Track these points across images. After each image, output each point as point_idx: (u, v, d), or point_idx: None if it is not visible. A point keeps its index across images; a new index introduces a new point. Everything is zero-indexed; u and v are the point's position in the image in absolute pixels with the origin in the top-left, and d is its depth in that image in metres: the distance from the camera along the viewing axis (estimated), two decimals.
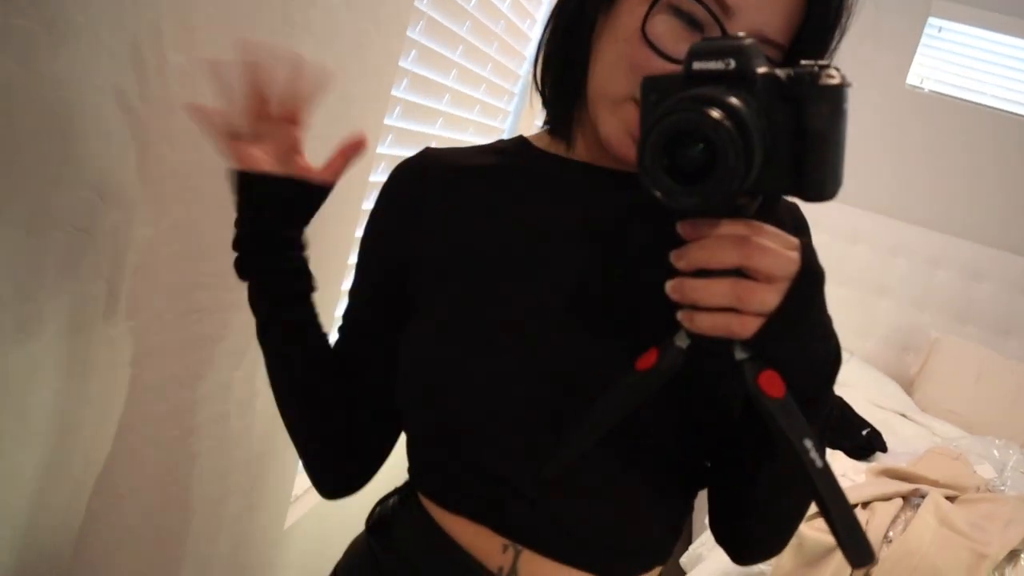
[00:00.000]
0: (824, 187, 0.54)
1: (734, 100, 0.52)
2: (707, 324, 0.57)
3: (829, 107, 0.52)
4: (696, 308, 0.57)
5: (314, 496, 1.58)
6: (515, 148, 0.84)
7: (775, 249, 0.56)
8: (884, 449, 2.74)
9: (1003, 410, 3.46)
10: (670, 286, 0.58)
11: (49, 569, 0.86)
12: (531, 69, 0.81)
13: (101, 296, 0.81)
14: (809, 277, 0.58)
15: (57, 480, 0.83)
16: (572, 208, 0.78)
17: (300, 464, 1.44)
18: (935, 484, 2.26)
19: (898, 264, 3.90)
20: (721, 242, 0.56)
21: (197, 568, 1.17)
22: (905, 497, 2.18)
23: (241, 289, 0.80)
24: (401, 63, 1.34)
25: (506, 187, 0.81)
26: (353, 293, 0.87)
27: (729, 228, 0.57)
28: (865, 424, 2.82)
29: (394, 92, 1.36)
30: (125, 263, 0.82)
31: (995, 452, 2.87)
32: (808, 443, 0.57)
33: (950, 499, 2.23)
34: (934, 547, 1.95)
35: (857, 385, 3.46)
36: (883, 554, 1.96)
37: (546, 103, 0.81)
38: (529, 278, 0.75)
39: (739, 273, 0.56)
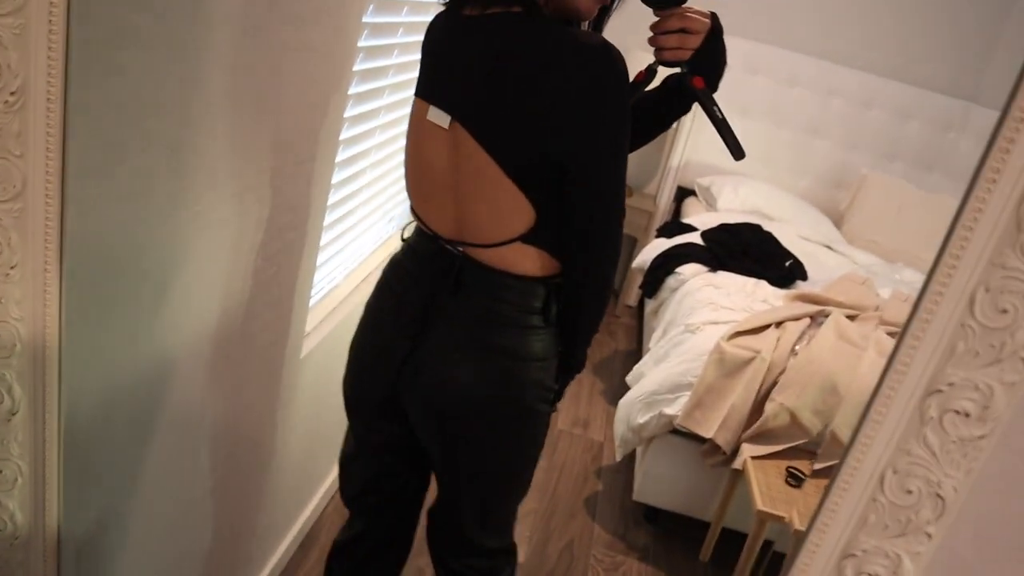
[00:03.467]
0: None
1: None
2: (667, 55, 1.26)
3: None
4: (662, 48, 1.25)
5: (321, 332, 1.94)
6: None
7: (697, 19, 1.23)
8: (804, 278, 3.13)
9: (921, 239, 3.85)
10: (650, 40, 1.25)
11: (152, 374, 1.20)
12: None
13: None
14: (715, 31, 1.25)
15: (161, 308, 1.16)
16: None
17: (311, 303, 1.78)
18: (840, 305, 2.66)
19: (833, 105, 4.18)
20: (671, 18, 1.23)
21: (238, 383, 1.52)
22: (812, 317, 2.59)
23: (282, 184, 1.09)
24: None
25: None
26: None
27: (673, 12, 1.23)
28: (789, 256, 3.21)
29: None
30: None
31: (897, 276, 3.29)
32: (715, 107, 1.27)
33: (851, 318, 2.64)
34: (831, 356, 2.36)
35: (791, 221, 3.82)
36: (789, 363, 2.38)
37: None
38: None
39: (682, 31, 1.23)
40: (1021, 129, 0.64)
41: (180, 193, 1.11)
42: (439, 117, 1.21)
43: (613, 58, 1.11)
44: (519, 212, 1.20)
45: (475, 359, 1.26)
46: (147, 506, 1.27)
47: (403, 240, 1.40)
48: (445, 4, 1.25)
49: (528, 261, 1.23)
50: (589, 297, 1.29)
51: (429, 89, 1.26)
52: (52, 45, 0.73)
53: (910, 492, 0.72)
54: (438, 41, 1.27)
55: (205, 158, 1.15)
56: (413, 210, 1.35)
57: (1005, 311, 0.67)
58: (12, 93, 0.74)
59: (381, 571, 1.63)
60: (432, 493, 1.54)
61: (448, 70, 1.22)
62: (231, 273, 1.34)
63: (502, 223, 1.21)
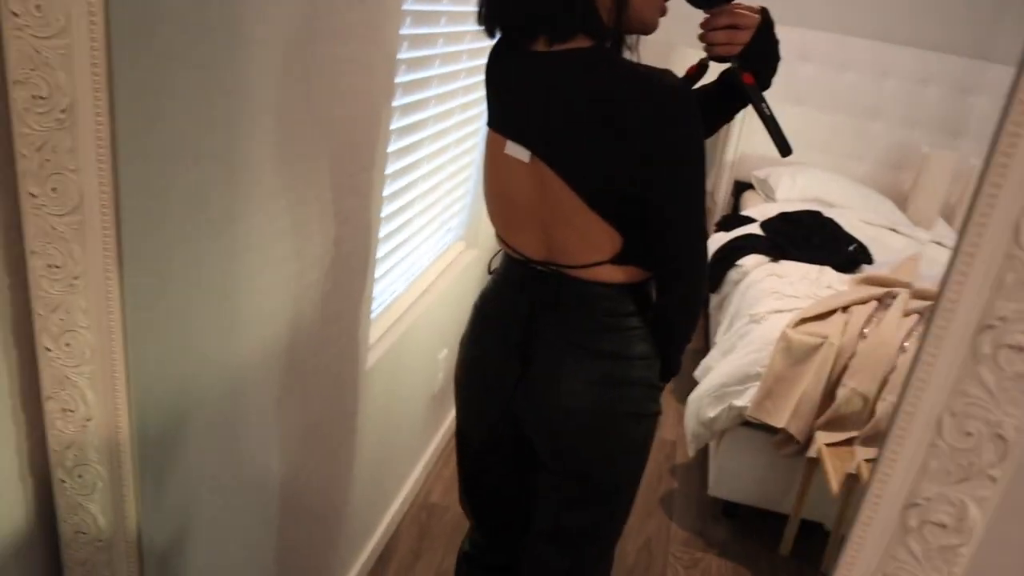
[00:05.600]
0: None
1: None
2: (717, 51, 1.27)
3: None
4: (711, 44, 1.26)
5: (385, 343, 1.97)
6: None
7: (745, 14, 1.25)
8: (870, 261, 3.07)
9: None
10: (700, 36, 1.27)
11: (216, 376, 1.24)
12: None
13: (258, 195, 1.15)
14: (765, 25, 1.25)
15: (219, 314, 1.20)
16: None
17: (373, 315, 1.82)
18: (906, 286, 2.60)
19: (888, 85, 4.10)
20: (720, 15, 1.25)
21: (307, 395, 1.56)
22: (880, 299, 2.53)
23: (340, 196, 1.13)
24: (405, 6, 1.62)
25: None
26: None
27: (723, 10, 1.25)
28: (852, 240, 3.15)
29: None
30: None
31: None
32: (764, 104, 1.27)
33: (921, 298, 2.57)
34: (899, 338, 2.31)
35: (852, 206, 3.75)
36: (859, 347, 2.33)
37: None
38: None
39: (731, 27, 1.24)
40: None
41: (235, 206, 1.15)
42: (518, 152, 1.24)
43: (685, 96, 1.13)
44: (606, 239, 1.23)
45: (583, 368, 1.29)
46: (222, 515, 1.31)
47: (490, 272, 1.43)
48: (505, 38, 1.26)
49: (620, 274, 1.26)
50: (679, 314, 1.32)
51: (504, 123, 1.28)
52: (95, 63, 0.77)
53: (970, 434, 0.71)
54: (506, 75, 1.28)
55: (258, 172, 1.19)
56: (499, 238, 1.37)
57: None
58: (63, 111, 0.78)
59: None
60: None
61: (522, 105, 1.23)
62: (293, 286, 1.38)
63: (590, 248, 1.24)
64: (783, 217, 3.36)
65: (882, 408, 2.24)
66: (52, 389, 0.90)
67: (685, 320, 1.33)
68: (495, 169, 1.32)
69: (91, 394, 0.90)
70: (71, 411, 0.91)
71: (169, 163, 0.96)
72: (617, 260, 1.25)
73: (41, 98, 0.77)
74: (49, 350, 0.88)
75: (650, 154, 1.14)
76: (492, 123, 1.31)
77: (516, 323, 1.34)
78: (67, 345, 0.88)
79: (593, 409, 1.30)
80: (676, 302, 1.29)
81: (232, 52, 1.06)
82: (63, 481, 0.95)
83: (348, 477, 1.90)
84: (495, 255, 1.44)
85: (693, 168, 1.17)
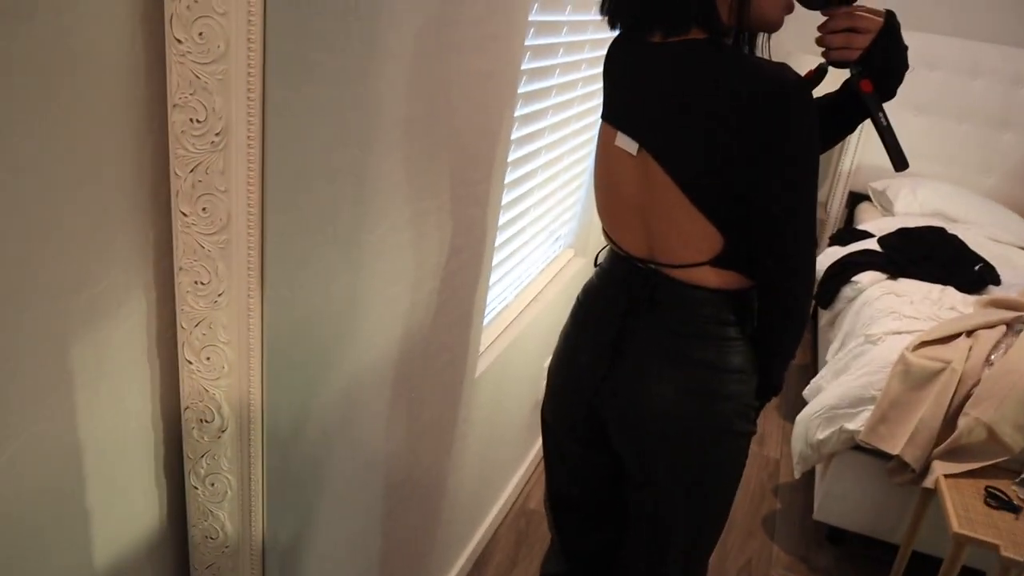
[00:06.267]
0: None
1: None
2: (833, 55, 1.21)
3: None
4: (829, 48, 1.20)
5: (494, 351, 1.97)
6: None
7: (866, 16, 1.18)
8: (997, 282, 2.91)
9: None
10: (817, 40, 1.21)
11: (343, 390, 1.26)
12: None
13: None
14: (888, 30, 1.19)
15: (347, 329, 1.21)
16: None
17: (484, 322, 1.83)
18: None
19: (1020, 94, 3.87)
20: (838, 17, 1.19)
21: (417, 403, 1.57)
22: (1009, 324, 2.39)
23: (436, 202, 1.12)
24: None
25: None
26: None
27: (840, 11, 1.19)
28: (978, 259, 2.99)
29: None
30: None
31: None
32: (881, 114, 1.22)
33: None
34: None
35: (978, 222, 3.56)
36: (984, 374, 2.21)
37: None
38: None
39: (850, 30, 1.18)
40: None
41: (363, 220, 1.16)
42: (627, 143, 1.22)
43: (801, 93, 1.08)
44: (707, 239, 1.19)
45: (673, 374, 1.26)
46: (335, 520, 1.33)
47: (596, 265, 1.42)
48: (624, 30, 1.25)
49: (720, 278, 1.22)
50: (783, 324, 1.26)
51: (615, 115, 1.27)
52: (251, 88, 0.78)
53: None
54: (621, 67, 1.27)
55: (384, 185, 1.20)
56: (605, 232, 1.36)
57: None
58: (217, 134, 0.80)
59: None
60: None
61: (634, 97, 1.22)
62: (414, 295, 1.39)
63: (691, 247, 1.21)
64: (902, 233, 3.22)
65: (963, 423, 2.14)
66: (190, 400, 0.93)
67: (788, 332, 1.27)
68: (605, 162, 1.30)
69: (226, 407, 0.93)
70: (207, 422, 0.93)
71: (306, 181, 0.98)
72: (718, 263, 1.20)
73: (198, 121, 0.79)
74: (190, 362, 0.91)
75: (759, 150, 1.09)
76: (606, 115, 1.29)
77: (612, 319, 1.32)
78: (207, 359, 0.90)
79: (680, 419, 1.26)
80: (779, 311, 1.24)
81: (367, 67, 1.06)
82: (195, 488, 0.98)
83: (451, 482, 1.91)
84: (602, 248, 1.42)
85: (805, 168, 1.12)
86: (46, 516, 0.81)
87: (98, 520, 0.88)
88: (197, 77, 0.77)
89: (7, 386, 0.72)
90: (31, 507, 0.79)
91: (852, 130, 1.37)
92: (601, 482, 1.48)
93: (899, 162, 1.23)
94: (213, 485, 0.98)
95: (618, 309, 1.31)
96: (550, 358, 1.50)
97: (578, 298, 1.43)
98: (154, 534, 0.99)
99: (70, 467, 0.82)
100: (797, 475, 2.57)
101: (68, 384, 0.79)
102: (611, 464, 1.44)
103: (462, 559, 2.17)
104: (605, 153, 1.29)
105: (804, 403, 2.62)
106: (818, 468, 2.66)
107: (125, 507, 0.93)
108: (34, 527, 0.80)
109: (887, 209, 3.81)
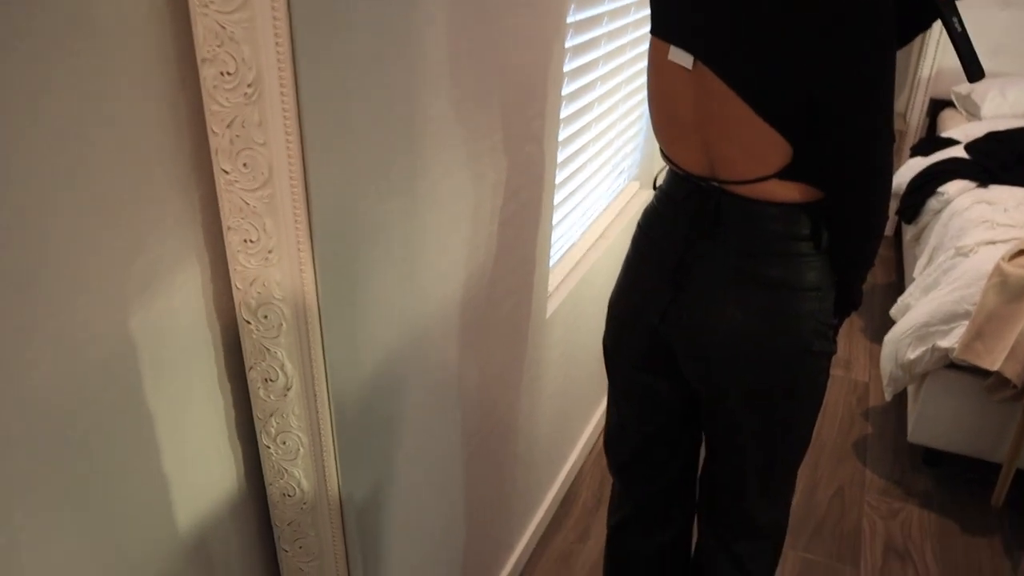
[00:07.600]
0: None
1: None
2: None
3: None
4: None
5: (563, 291, 1.94)
6: None
7: None
8: None
9: None
10: None
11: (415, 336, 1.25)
12: None
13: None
14: None
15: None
16: None
17: (551, 263, 1.79)
18: None
19: None
20: None
21: (488, 348, 1.55)
22: None
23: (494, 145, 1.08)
24: None
25: None
26: None
27: None
28: None
29: None
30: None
31: None
32: (955, 17, 1.08)
33: None
34: None
35: None
36: None
37: None
38: None
39: None
40: None
41: (416, 165, 1.13)
42: (681, 57, 1.15)
43: None
44: (774, 150, 1.12)
45: (743, 295, 1.20)
46: (413, 471, 1.33)
47: (655, 188, 1.35)
48: None
49: (789, 192, 1.15)
50: (865, 231, 1.18)
51: (667, 27, 1.19)
52: (278, 34, 0.75)
53: None
54: None
55: (435, 127, 1.16)
56: (663, 152, 1.30)
57: None
58: (249, 85, 0.77)
59: (667, 553, 1.60)
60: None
61: (687, 6, 1.14)
62: (473, 240, 1.36)
63: (756, 161, 1.14)
64: (991, 137, 3.04)
65: None
66: (253, 359, 0.92)
67: (870, 239, 1.19)
68: (658, 79, 1.23)
69: (289, 364, 0.92)
70: (272, 380, 0.93)
71: (350, 130, 0.95)
72: (785, 174, 1.13)
73: (228, 74, 0.76)
74: (248, 323, 0.90)
75: (827, 42, 1.01)
76: (655, 29, 1.22)
77: (675, 242, 1.26)
78: (264, 317, 0.89)
79: (754, 342, 1.20)
80: (859, 217, 1.15)
81: (405, 7, 1.02)
82: (268, 447, 0.98)
83: (528, 424, 1.90)
84: (660, 170, 1.35)
85: (882, 58, 1.03)
86: (129, 486, 0.82)
87: (176, 484, 0.89)
88: (223, 27, 0.74)
89: (73, 365, 0.72)
90: (115, 479, 0.79)
91: (924, 28, 1.26)
92: (670, 416, 1.44)
93: (973, 71, 1.12)
94: (285, 443, 0.97)
95: (680, 232, 1.25)
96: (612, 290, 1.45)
97: (639, 224, 1.37)
98: (234, 494, 1.00)
99: (142, 436, 0.83)
100: (888, 397, 2.48)
101: (133, 357, 0.79)
102: (679, 396, 1.40)
103: (547, 500, 2.18)
104: (658, 70, 1.22)
105: (891, 323, 2.53)
106: (910, 389, 2.56)
107: (202, 470, 0.93)
108: (120, 495, 0.81)
109: (973, 114, 3.60)
